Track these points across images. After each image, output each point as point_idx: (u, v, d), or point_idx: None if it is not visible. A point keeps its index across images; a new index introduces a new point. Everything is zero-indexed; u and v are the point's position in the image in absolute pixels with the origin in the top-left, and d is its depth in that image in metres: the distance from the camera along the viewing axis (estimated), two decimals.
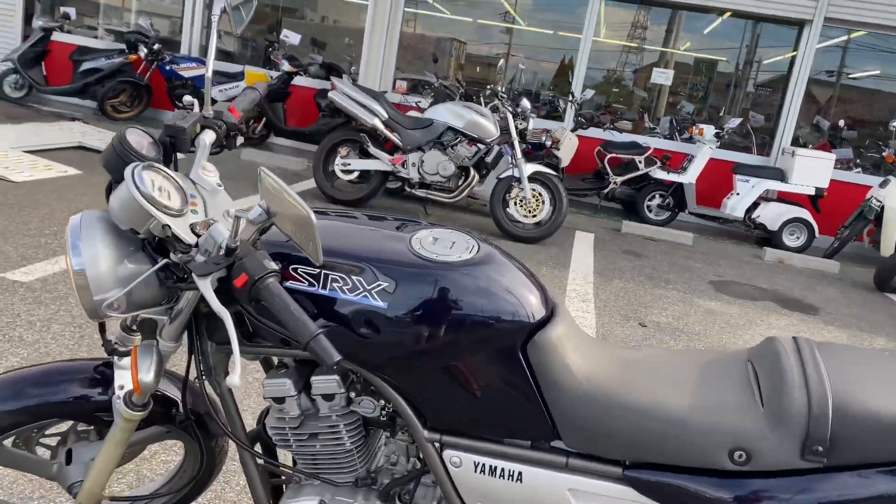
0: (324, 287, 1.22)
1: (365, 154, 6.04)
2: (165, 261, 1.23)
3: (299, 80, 8.24)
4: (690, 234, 7.03)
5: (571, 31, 8.73)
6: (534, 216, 5.85)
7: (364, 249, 1.24)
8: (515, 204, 5.85)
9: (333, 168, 6.07)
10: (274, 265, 1.15)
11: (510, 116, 5.88)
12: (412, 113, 6.67)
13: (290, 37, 8.00)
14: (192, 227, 1.23)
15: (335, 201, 6.06)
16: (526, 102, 6.09)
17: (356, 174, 6.04)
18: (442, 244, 1.26)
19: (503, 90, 6.45)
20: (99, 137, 6.77)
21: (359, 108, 5.91)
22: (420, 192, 5.99)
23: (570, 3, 8.73)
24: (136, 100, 8.35)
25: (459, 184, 5.96)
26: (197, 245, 1.21)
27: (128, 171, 1.19)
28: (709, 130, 7.41)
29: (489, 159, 5.95)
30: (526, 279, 1.25)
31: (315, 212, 1.42)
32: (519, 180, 5.76)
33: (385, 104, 6.00)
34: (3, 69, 8.36)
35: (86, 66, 8.18)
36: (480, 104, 6.79)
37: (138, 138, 1.30)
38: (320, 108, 7.80)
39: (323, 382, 1.26)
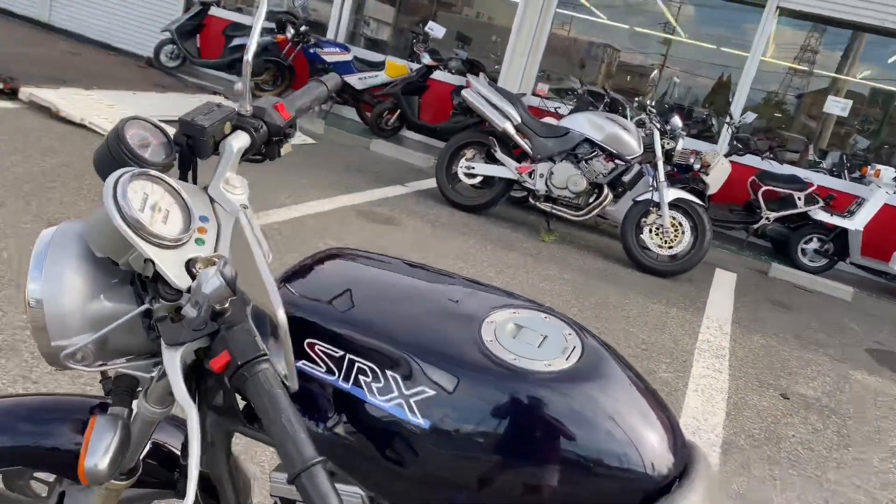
0: (346, 379, 0.85)
1: (491, 159, 5.67)
2: (144, 307, 0.90)
3: (438, 75, 7.99)
4: (850, 289, 6.13)
5: (736, 48, 7.93)
6: (670, 247, 5.25)
7: (411, 330, 0.85)
8: (651, 231, 5.27)
9: (456, 170, 5.74)
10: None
11: (657, 134, 5.30)
12: (548, 119, 6.21)
13: (435, 30, 7.75)
14: (190, 264, 0.89)
15: (454, 205, 5.73)
16: (677, 120, 5.48)
17: (479, 179, 5.68)
18: (527, 338, 0.85)
19: (652, 104, 5.86)
20: None
21: (491, 110, 5.53)
22: (545, 206, 5.54)
23: (738, 18, 7.94)
24: (278, 79, 8.42)
25: (590, 201, 5.46)
26: (189, 291, 0.87)
27: (109, 181, 0.87)
28: (888, 173, 6.43)
29: (627, 178, 5.40)
30: (650, 407, 0.82)
31: (342, 252, 1.06)
32: (658, 205, 5.18)
33: (520, 108, 5.59)
34: (161, 39, 8.69)
35: (236, 41, 8.34)
36: (626, 117, 6.23)
37: (142, 134, 0.98)
38: (454, 105, 7.50)
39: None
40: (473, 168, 5.65)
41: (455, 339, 0.83)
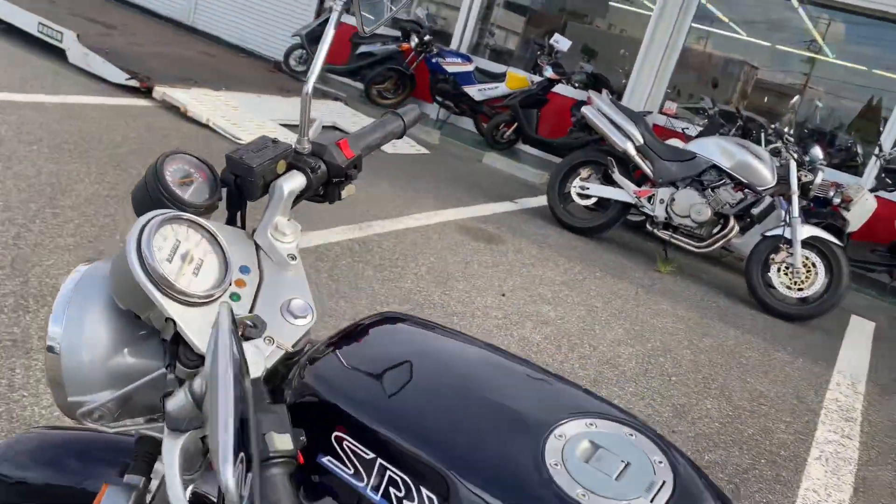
0: (375, 488, 0.70)
1: (608, 180, 5.39)
2: (161, 371, 0.80)
3: (560, 88, 7.76)
4: None
5: (891, 71, 7.22)
6: (800, 289, 4.78)
7: (459, 437, 0.69)
8: (779, 270, 4.83)
9: (570, 189, 5.50)
10: (289, 442, 0.66)
11: (793, 165, 4.85)
12: (674, 141, 5.85)
13: (560, 42, 7.52)
14: None
15: (564, 226, 5.50)
16: (817, 151, 4.98)
17: (593, 200, 5.42)
18: (604, 463, 0.67)
19: (791, 131, 5.38)
20: (353, 121, 6.89)
21: (611, 129, 5.26)
22: (663, 234, 5.20)
23: (893, 38, 7.22)
24: (399, 88, 8.47)
25: (713, 232, 5.07)
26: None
27: (135, 226, 0.77)
28: None
29: (757, 211, 4.99)
30: None
31: (397, 317, 0.91)
32: (790, 242, 4.73)
33: (644, 127, 5.29)
34: (292, 44, 8.96)
35: (362, 49, 8.45)
36: (759, 142, 5.77)
37: (185, 169, 0.88)
38: (573, 121, 7.25)
39: None
40: (588, 188, 5.39)
41: (512, 456, 0.66)
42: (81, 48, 5.91)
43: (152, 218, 0.77)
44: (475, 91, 7.83)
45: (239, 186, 0.89)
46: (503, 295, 3.80)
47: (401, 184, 5.40)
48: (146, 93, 5.75)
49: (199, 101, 5.69)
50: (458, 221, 4.92)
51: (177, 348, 0.76)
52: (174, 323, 0.75)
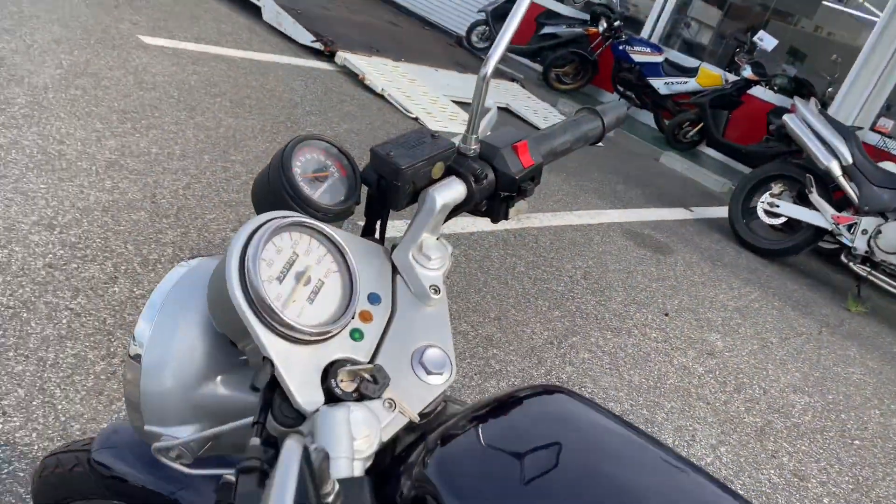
0: None
1: (802, 199, 4.79)
2: (248, 420, 0.63)
3: (757, 91, 7.06)
4: None
5: None
6: None
7: None
8: None
9: (756, 204, 4.95)
10: None
11: None
12: (887, 165, 5.10)
13: (765, 40, 6.81)
14: (330, 374, 0.60)
15: (744, 244, 4.97)
16: None
17: (782, 220, 4.84)
18: None
19: None
20: (526, 105, 6.65)
21: (815, 143, 4.65)
22: (860, 269, 4.55)
23: None
24: (580, 73, 8.11)
25: None
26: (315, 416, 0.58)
27: (243, 231, 0.60)
28: None
29: None
30: None
31: (558, 393, 0.70)
32: None
33: (853, 145, 4.63)
34: (476, 19, 8.84)
35: (546, 29, 8.15)
36: None
37: (320, 161, 0.70)
38: (769, 129, 6.56)
39: None
40: (778, 206, 4.82)
41: None
42: (275, 6, 6.10)
43: (266, 222, 0.60)
44: (661, 84, 7.31)
45: (382, 190, 0.70)
46: (666, 314, 3.44)
47: (566, 175, 5.11)
48: (329, 57, 5.83)
49: (377, 70, 5.69)
50: (625, 224, 4.57)
51: (272, 396, 0.59)
52: (272, 365, 0.58)
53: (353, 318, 0.64)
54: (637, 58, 7.51)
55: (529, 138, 0.76)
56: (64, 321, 1.97)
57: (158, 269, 2.32)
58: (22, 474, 1.54)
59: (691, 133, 7.16)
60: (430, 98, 5.60)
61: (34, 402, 1.69)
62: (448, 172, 0.72)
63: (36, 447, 1.60)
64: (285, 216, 0.62)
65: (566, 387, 0.72)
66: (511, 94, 6.82)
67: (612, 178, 5.57)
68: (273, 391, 0.59)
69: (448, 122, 5.18)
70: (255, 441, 0.59)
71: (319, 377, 0.59)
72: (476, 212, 0.76)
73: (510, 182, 0.72)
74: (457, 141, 0.73)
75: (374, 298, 0.67)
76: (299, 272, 0.61)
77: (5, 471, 1.53)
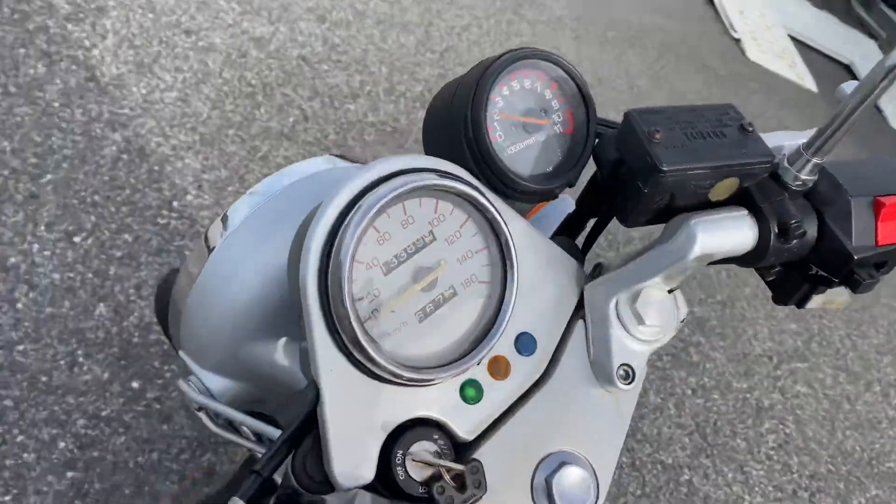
0: None
1: None
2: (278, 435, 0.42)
3: None
4: None
5: None
6: None
7: None
8: None
9: None
10: None
11: None
12: None
13: None
14: (404, 445, 0.37)
15: None
16: None
17: None
18: None
19: None
20: None
21: None
22: None
23: None
24: None
25: None
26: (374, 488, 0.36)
27: (354, 179, 0.36)
28: None
29: None
30: None
31: None
32: None
33: None
34: None
35: None
36: None
37: (537, 92, 0.44)
38: None
39: None
40: None
41: None
42: None
43: (394, 174, 0.36)
44: None
45: (618, 182, 0.42)
46: None
47: None
48: None
49: None
50: None
51: (303, 435, 0.38)
52: (317, 396, 0.36)
53: (478, 363, 0.40)
54: None
55: None
56: (290, 119, 1.92)
57: (400, 104, 2.20)
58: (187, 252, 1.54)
59: None
60: (766, 23, 4.78)
61: (229, 188, 1.68)
62: (738, 199, 0.42)
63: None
64: (442, 172, 0.37)
65: None
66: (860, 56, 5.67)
67: None
68: (307, 430, 0.38)
69: (773, 59, 4.42)
70: None
71: (381, 441, 0.37)
72: (757, 268, 0.46)
73: (842, 260, 0.41)
74: (786, 148, 0.42)
75: (525, 344, 0.42)
76: (423, 267, 0.37)
77: (174, 244, 1.54)
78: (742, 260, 0.42)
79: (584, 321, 0.44)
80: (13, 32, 1.61)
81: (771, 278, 0.45)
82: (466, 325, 0.39)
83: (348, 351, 0.36)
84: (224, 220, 0.51)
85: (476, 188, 0.39)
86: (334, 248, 0.35)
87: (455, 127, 0.41)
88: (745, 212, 0.41)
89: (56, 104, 1.56)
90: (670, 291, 0.43)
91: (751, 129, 0.41)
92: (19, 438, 1.13)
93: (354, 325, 0.35)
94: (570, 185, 0.44)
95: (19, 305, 1.25)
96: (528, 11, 3.11)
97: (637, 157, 0.40)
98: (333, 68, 2.14)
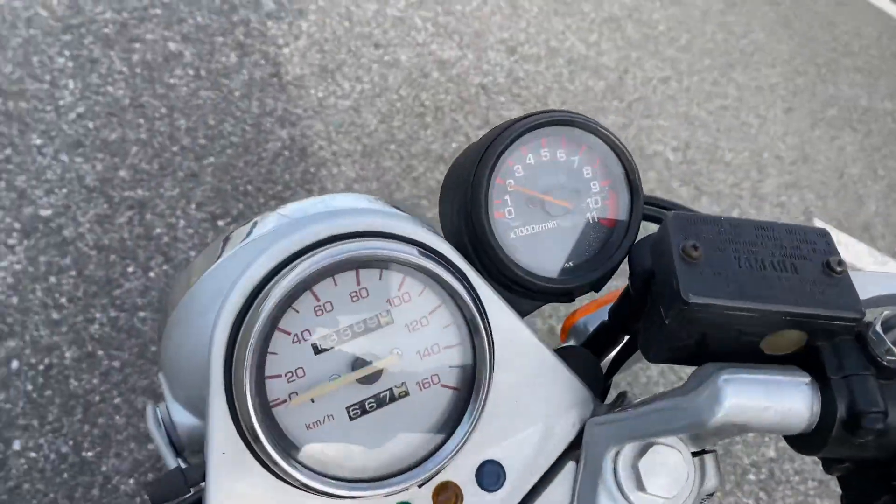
0: None
1: None
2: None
3: None
4: None
5: None
6: None
7: None
8: None
9: None
10: None
11: None
12: None
13: None
14: None
15: None
16: None
17: None
18: None
19: None
20: None
21: None
22: None
23: None
24: None
25: None
26: None
27: (284, 238, 0.31)
28: None
29: None
30: None
31: None
32: None
33: None
34: None
35: None
36: None
37: (564, 167, 0.35)
38: None
39: None
40: None
41: None
42: None
43: (348, 235, 0.30)
44: None
45: (650, 297, 0.33)
46: None
47: None
48: None
49: None
50: None
51: None
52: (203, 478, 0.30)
53: (419, 486, 0.32)
54: None
55: None
56: (453, 145, 1.91)
57: None
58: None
59: None
60: None
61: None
62: (803, 358, 0.31)
63: None
64: (417, 244, 0.30)
65: None
66: None
67: None
68: None
69: None
70: None
71: None
72: (804, 452, 0.34)
73: None
74: (889, 305, 0.31)
75: (490, 476, 0.33)
76: (368, 353, 0.31)
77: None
78: (794, 443, 0.31)
79: (577, 464, 0.34)
80: (218, 21, 1.74)
81: (839, 473, 0.32)
82: (415, 435, 0.32)
83: (253, 449, 0.30)
84: (254, 226, 0.46)
85: (456, 273, 0.31)
86: (252, 308, 0.30)
87: (459, 192, 0.34)
88: (808, 379, 0.30)
89: (237, 93, 1.66)
90: (697, 454, 0.33)
91: (840, 268, 0.29)
92: (116, 400, 1.19)
93: (248, 398, 0.29)
94: (595, 290, 0.35)
95: (151, 274, 1.33)
96: (738, 75, 2.89)
97: (664, 276, 0.30)
98: (510, 101, 2.11)
